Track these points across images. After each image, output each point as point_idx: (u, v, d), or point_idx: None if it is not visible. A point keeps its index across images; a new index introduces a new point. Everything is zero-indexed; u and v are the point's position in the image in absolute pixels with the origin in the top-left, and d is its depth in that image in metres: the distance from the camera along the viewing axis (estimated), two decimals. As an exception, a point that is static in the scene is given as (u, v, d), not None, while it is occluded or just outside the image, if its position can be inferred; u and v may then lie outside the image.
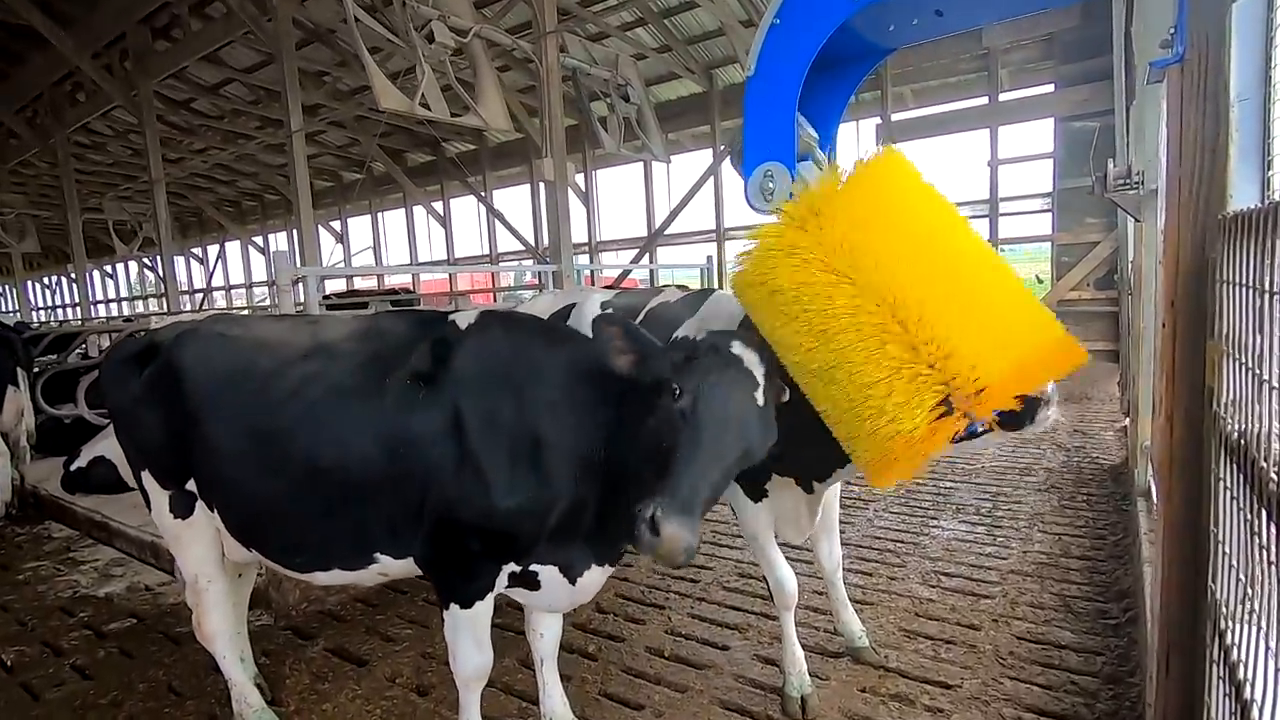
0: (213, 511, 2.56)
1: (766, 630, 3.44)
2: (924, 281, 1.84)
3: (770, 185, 2.26)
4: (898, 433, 1.80)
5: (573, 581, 2.34)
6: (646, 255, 13.95)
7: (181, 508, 2.59)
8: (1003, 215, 10.37)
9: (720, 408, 1.90)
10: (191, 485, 2.56)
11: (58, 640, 3.77)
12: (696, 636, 3.46)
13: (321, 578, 2.50)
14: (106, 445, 5.96)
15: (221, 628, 2.74)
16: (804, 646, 3.00)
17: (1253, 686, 1.14)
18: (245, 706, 2.78)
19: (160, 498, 2.62)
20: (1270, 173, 1.43)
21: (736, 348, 2.01)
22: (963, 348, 1.77)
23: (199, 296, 23.43)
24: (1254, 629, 1.17)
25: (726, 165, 12.92)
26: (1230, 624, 1.32)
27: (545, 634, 2.65)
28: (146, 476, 2.63)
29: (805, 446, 2.22)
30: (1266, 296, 1.14)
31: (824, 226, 1.90)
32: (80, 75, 10.63)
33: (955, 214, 2.05)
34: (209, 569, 2.68)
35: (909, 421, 1.79)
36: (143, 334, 2.82)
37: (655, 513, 1.75)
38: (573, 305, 3.60)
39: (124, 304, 26.90)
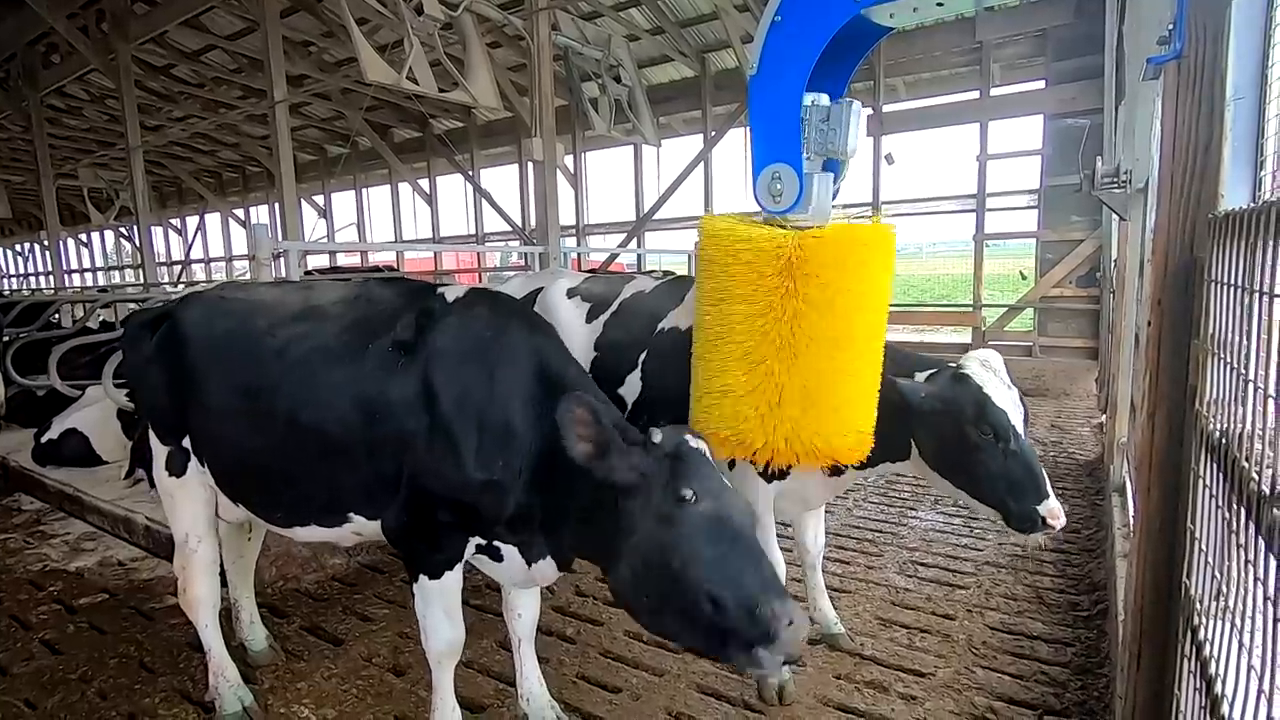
0: (204, 467, 2.64)
1: (744, 616, 3.46)
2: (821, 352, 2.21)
3: (778, 186, 2.26)
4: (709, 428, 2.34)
5: (529, 563, 2.33)
6: (634, 239, 13.86)
7: (176, 465, 2.69)
8: (989, 210, 10.42)
9: (728, 493, 1.91)
10: (187, 442, 2.65)
11: (26, 614, 3.71)
12: (675, 621, 3.47)
13: (300, 533, 2.56)
14: (79, 417, 5.86)
15: (206, 595, 2.76)
16: (781, 633, 3.02)
17: (1224, 682, 1.16)
18: (222, 680, 2.77)
19: (160, 455, 2.71)
20: (1262, 173, 1.43)
21: (693, 441, 1.98)
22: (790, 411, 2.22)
23: (177, 268, 22.95)
24: (1227, 625, 1.19)
25: (716, 151, 12.83)
26: (1203, 620, 1.34)
27: (523, 614, 2.64)
28: (151, 434, 2.74)
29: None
30: (1254, 296, 1.14)
31: (800, 264, 2.15)
32: (55, 36, 10.27)
33: (886, 290, 2.35)
34: (199, 529, 2.74)
35: (714, 424, 2.34)
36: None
37: (775, 627, 1.67)
38: (540, 289, 3.53)
39: (100, 274, 26.30)
